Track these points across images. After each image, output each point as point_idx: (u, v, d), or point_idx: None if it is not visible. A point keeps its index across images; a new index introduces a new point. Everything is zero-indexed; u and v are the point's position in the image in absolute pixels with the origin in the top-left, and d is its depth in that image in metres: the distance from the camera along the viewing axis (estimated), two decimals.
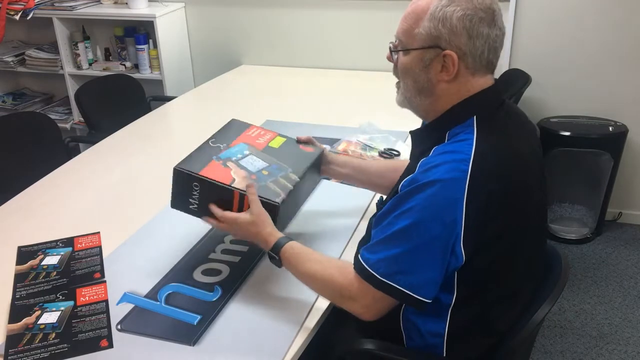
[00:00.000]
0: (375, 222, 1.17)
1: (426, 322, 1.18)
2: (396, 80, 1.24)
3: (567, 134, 2.74)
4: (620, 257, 2.79)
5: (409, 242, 1.08)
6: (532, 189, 1.15)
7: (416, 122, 1.30)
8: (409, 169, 1.19)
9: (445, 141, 1.14)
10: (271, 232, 1.28)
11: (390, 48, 1.22)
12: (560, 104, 2.93)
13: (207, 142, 1.48)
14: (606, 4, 2.71)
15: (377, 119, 2.24)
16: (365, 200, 1.71)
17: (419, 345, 1.21)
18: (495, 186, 1.06)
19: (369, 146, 2.05)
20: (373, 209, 1.51)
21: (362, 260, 1.14)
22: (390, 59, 1.23)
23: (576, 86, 2.89)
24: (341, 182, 1.79)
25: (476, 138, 1.09)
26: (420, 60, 1.14)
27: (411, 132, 1.27)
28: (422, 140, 1.22)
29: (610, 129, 2.76)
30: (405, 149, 2.00)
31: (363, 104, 2.65)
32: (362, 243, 1.29)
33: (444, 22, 1.09)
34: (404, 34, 1.16)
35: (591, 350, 2.23)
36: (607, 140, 2.74)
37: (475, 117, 1.12)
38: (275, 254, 1.26)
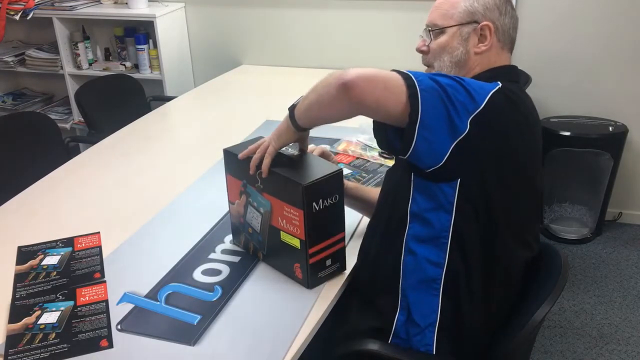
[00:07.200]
0: None
1: (426, 250, 1.20)
2: (425, 68, 1.34)
3: (567, 134, 2.74)
4: (620, 257, 2.79)
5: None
6: (538, 151, 1.25)
7: None
8: None
9: None
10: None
11: (429, 30, 1.30)
12: (560, 104, 2.93)
13: None
14: (606, 4, 2.71)
15: None
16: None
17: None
18: (510, 114, 1.16)
19: (369, 146, 2.05)
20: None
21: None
22: (421, 48, 1.32)
23: (576, 86, 2.89)
24: None
25: (500, 85, 1.18)
26: (459, 35, 1.28)
27: None
28: None
29: (610, 129, 2.76)
30: None
31: None
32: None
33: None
34: (440, 18, 1.29)
35: (591, 350, 2.23)
36: (607, 140, 2.74)
37: (500, 82, 1.20)
38: (291, 110, 1.34)
